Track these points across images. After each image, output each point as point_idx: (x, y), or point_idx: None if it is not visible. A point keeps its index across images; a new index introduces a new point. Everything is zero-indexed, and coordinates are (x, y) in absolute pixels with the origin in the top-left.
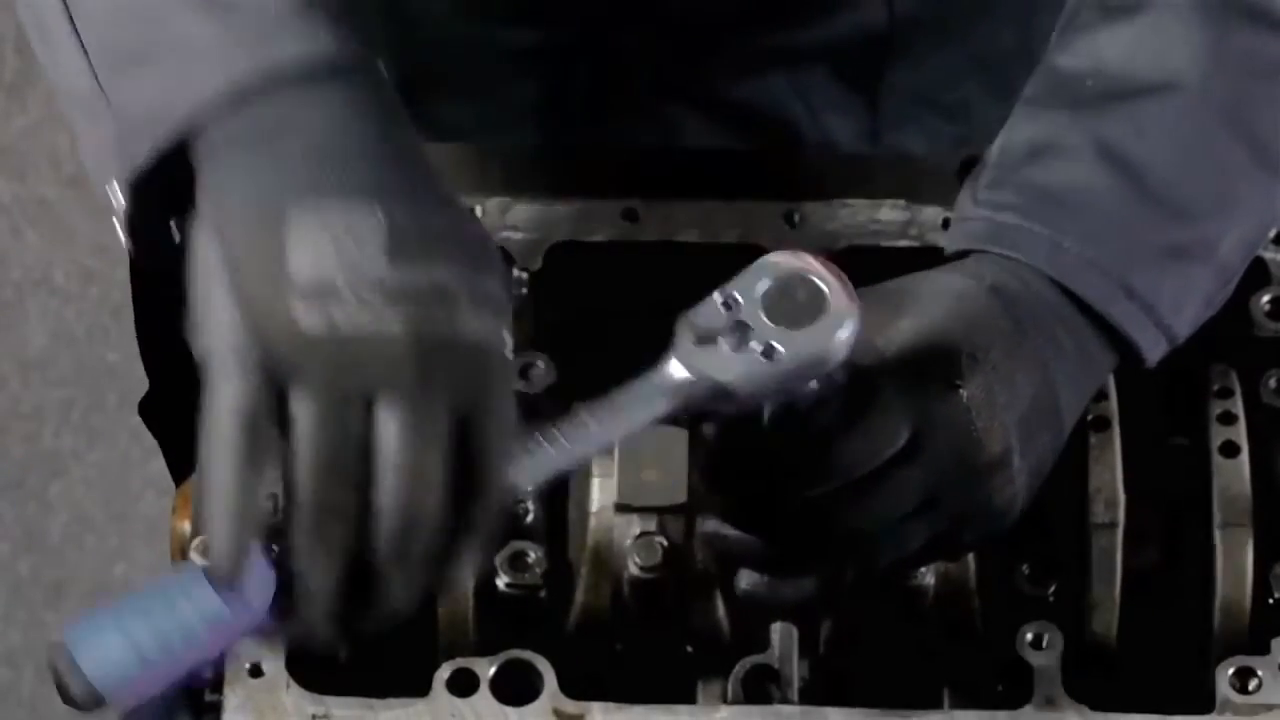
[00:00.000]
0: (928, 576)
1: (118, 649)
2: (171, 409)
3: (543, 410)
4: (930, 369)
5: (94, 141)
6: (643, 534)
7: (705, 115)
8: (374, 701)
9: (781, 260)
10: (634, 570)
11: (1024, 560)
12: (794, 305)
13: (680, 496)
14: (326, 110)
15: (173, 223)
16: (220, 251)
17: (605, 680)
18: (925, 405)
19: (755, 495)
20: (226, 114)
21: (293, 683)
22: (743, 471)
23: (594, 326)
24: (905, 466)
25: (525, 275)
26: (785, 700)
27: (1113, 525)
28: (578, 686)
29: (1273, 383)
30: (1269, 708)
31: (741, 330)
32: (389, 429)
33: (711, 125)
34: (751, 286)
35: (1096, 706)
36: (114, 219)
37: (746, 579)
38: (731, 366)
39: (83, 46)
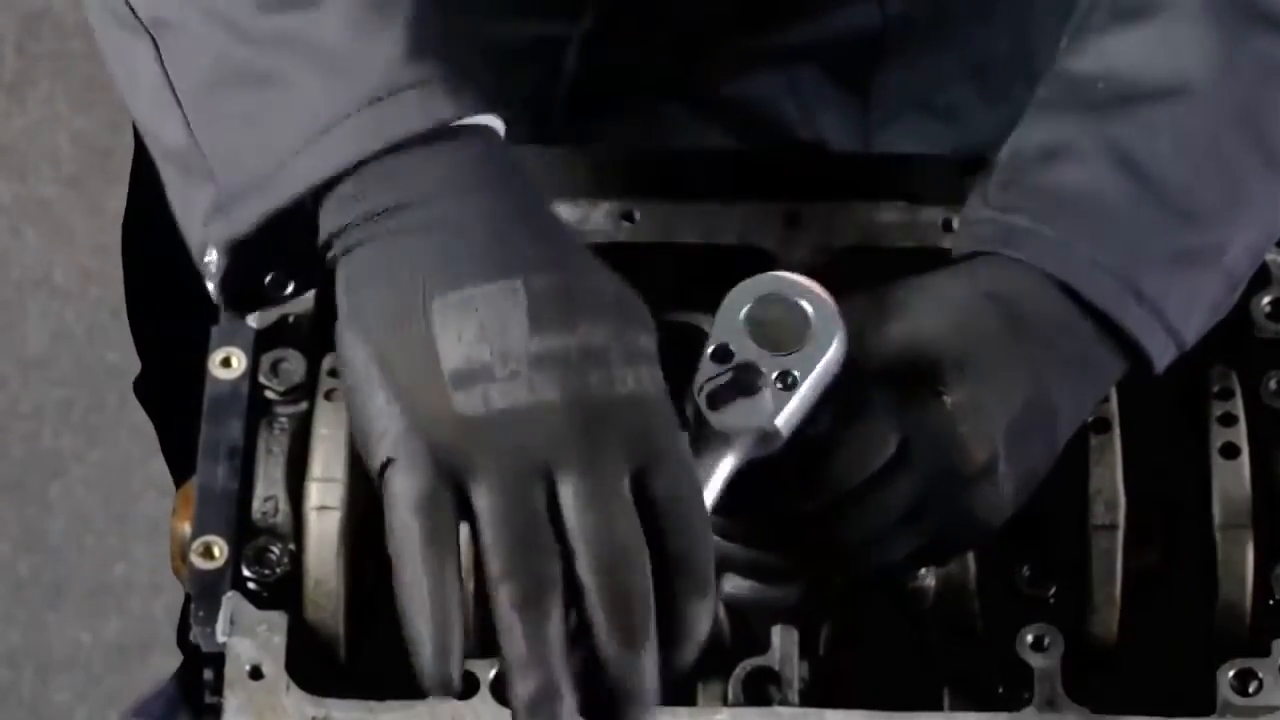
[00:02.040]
0: (928, 578)
1: None
2: (164, 388)
3: None
4: (916, 377)
5: (185, 195)
6: None
7: (697, 113)
8: (374, 704)
9: (743, 291)
10: None
11: (1024, 561)
12: (778, 328)
13: None
14: (448, 180)
15: (268, 278)
16: (368, 351)
17: None
18: (911, 413)
19: (745, 509)
20: (342, 184)
21: (293, 685)
22: (734, 486)
23: None
24: (893, 476)
25: None
26: (785, 702)
27: (1113, 527)
28: None
29: (1273, 384)
30: (1270, 710)
31: (748, 373)
32: (568, 500)
33: (703, 123)
34: (731, 329)
35: (1097, 708)
36: (203, 273)
37: (731, 583)
38: (762, 410)
39: (178, 100)
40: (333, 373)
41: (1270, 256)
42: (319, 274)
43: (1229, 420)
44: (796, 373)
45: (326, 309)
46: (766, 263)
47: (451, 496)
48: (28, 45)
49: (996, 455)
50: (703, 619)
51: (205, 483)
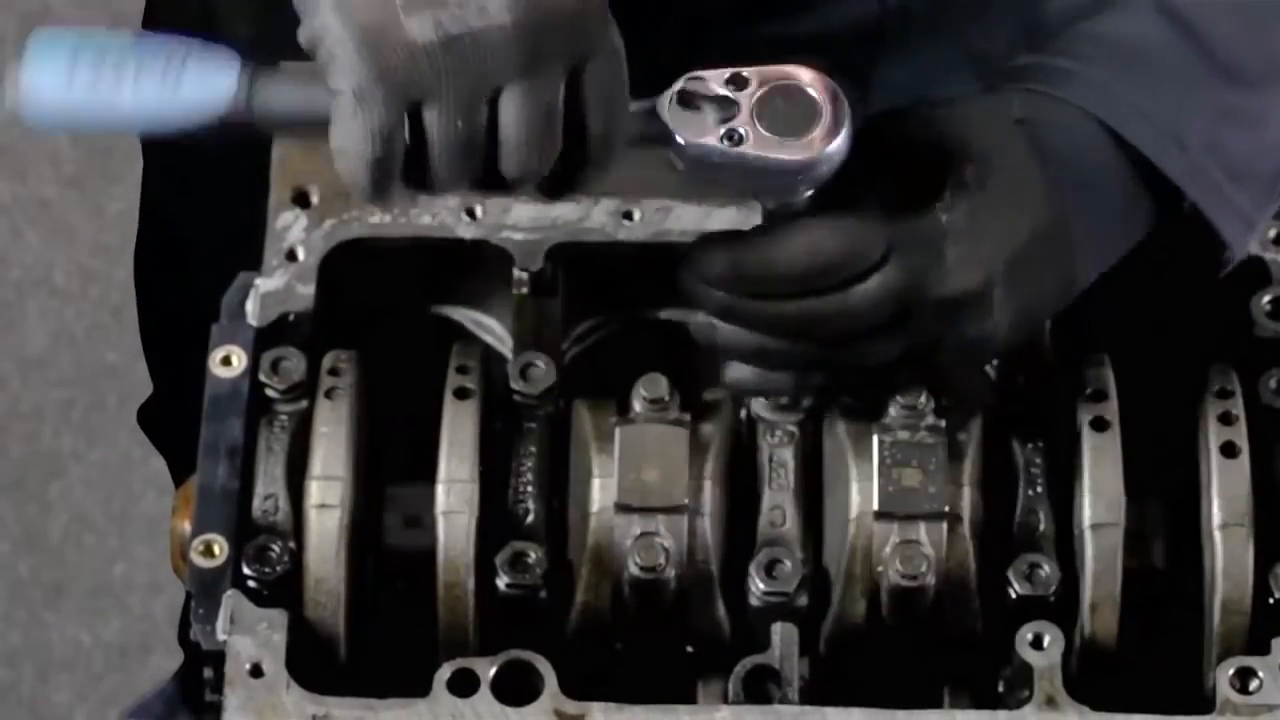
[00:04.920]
0: (928, 577)
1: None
2: (173, 415)
3: (543, 411)
4: (915, 188)
5: None
6: (643, 534)
7: None
8: (374, 702)
9: (797, 70)
10: (634, 570)
11: (1024, 560)
12: (789, 116)
13: (680, 497)
14: None
15: None
16: None
17: (605, 680)
18: (902, 221)
19: (741, 293)
20: None
21: (293, 683)
22: (730, 269)
23: (593, 327)
24: (877, 276)
25: (526, 275)
26: (785, 700)
27: (1113, 525)
28: (578, 687)
29: (1273, 383)
30: (1269, 708)
31: (726, 107)
32: (507, 109)
33: None
34: (761, 79)
35: (1096, 706)
36: None
37: (734, 370)
38: (694, 130)
39: None
40: (333, 371)
41: (1270, 256)
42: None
43: (1229, 419)
44: (748, 142)
45: (326, 308)
46: None
47: (401, 127)
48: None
49: (991, 282)
50: (589, 180)
51: (205, 481)
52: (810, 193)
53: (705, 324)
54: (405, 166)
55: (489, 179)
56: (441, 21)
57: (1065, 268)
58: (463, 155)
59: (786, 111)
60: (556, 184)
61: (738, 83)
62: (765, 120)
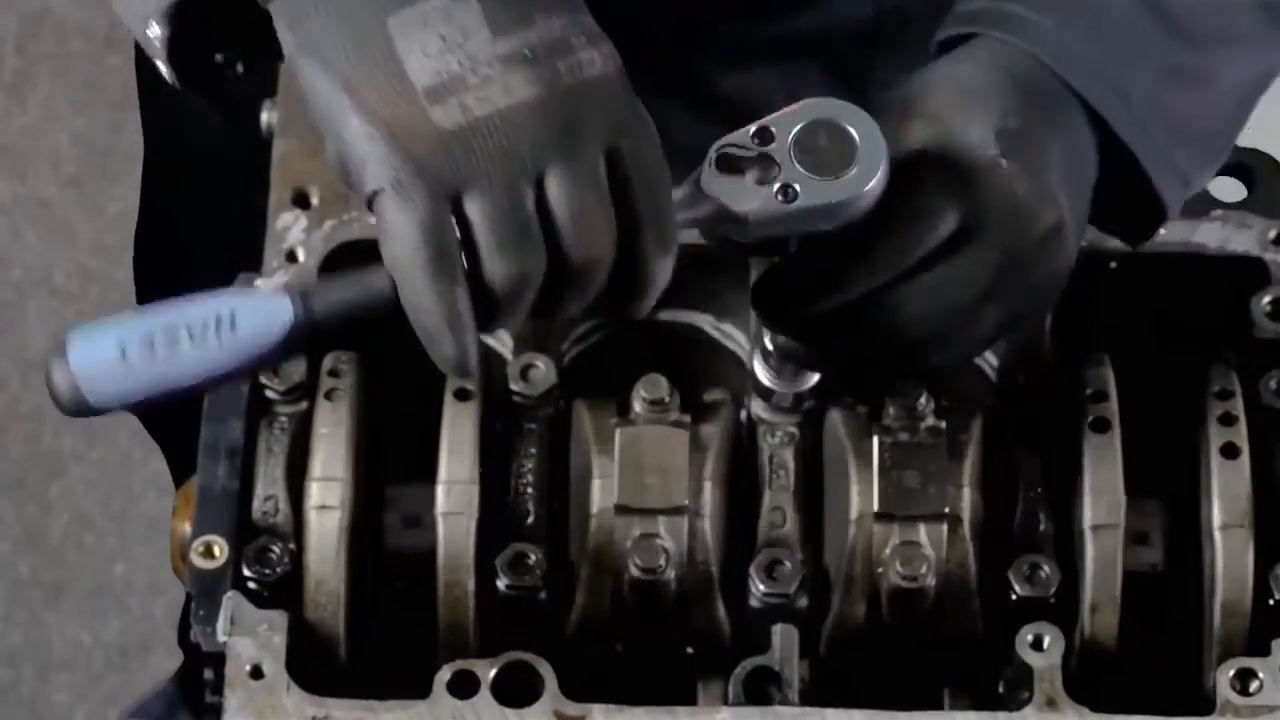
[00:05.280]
0: (929, 578)
1: (111, 348)
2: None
3: (543, 411)
4: (962, 149)
5: None
6: (643, 536)
7: (693, 109)
8: (374, 703)
9: (823, 105)
10: (634, 572)
11: (1024, 561)
12: (826, 152)
13: (680, 498)
14: None
15: (219, 58)
16: (332, 78)
17: (606, 682)
18: (967, 186)
19: (789, 302)
20: None
21: (293, 684)
22: (777, 281)
23: (593, 327)
24: (960, 254)
25: None
26: (785, 702)
27: (1113, 526)
28: (578, 688)
29: (1273, 384)
30: (1269, 709)
31: (766, 165)
32: (553, 190)
33: (699, 119)
34: (788, 124)
35: (1097, 707)
36: (155, 57)
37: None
38: (747, 197)
39: None
40: (333, 373)
41: (1270, 257)
42: (264, 50)
43: (1229, 420)
44: (800, 193)
45: None
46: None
47: (449, 215)
48: (28, 45)
49: (1063, 208)
50: (663, 271)
51: (205, 482)
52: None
53: (787, 347)
54: (468, 278)
55: (553, 281)
56: (467, 105)
57: (1086, 188)
58: (515, 240)
59: (823, 149)
60: (626, 286)
61: (765, 137)
62: (807, 164)
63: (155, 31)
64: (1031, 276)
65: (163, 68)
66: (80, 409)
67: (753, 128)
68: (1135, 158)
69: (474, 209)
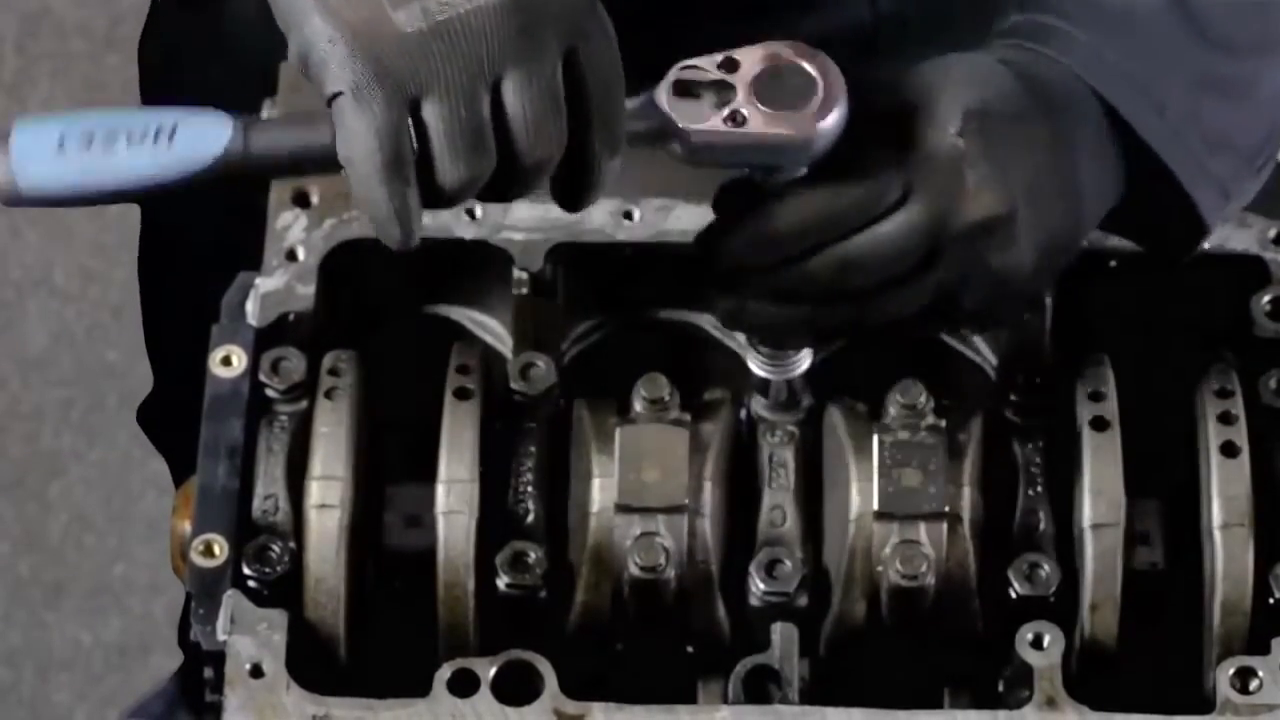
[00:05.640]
0: (928, 577)
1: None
2: (173, 412)
3: (543, 411)
4: (924, 119)
5: None
6: (643, 534)
7: None
8: (374, 702)
9: (794, 47)
10: (634, 570)
11: (1024, 560)
12: (784, 91)
13: (680, 497)
14: None
15: None
16: None
17: (605, 680)
18: (916, 153)
19: (766, 261)
20: None
21: (293, 683)
22: (752, 238)
23: (593, 327)
24: (902, 212)
25: (526, 275)
26: (785, 700)
27: (1113, 525)
28: (578, 687)
29: (1273, 383)
30: (1270, 708)
31: (723, 91)
32: (509, 94)
33: None
34: (753, 59)
35: (1096, 706)
36: None
37: (725, 302)
38: (696, 117)
39: None
40: (333, 371)
41: (1270, 256)
42: None
43: (1229, 419)
44: (749, 121)
45: (326, 308)
46: None
47: (406, 120)
48: (28, 45)
49: (1014, 206)
50: (609, 170)
51: (205, 481)
52: (808, 165)
53: (731, 308)
54: (418, 176)
55: (501, 178)
56: (429, 9)
57: (1076, 208)
58: (470, 146)
59: (783, 88)
60: (573, 181)
61: (730, 66)
62: (763, 98)
63: None
64: (969, 262)
65: None
66: (11, 197)
67: (720, 56)
68: (1171, 170)
69: (430, 114)
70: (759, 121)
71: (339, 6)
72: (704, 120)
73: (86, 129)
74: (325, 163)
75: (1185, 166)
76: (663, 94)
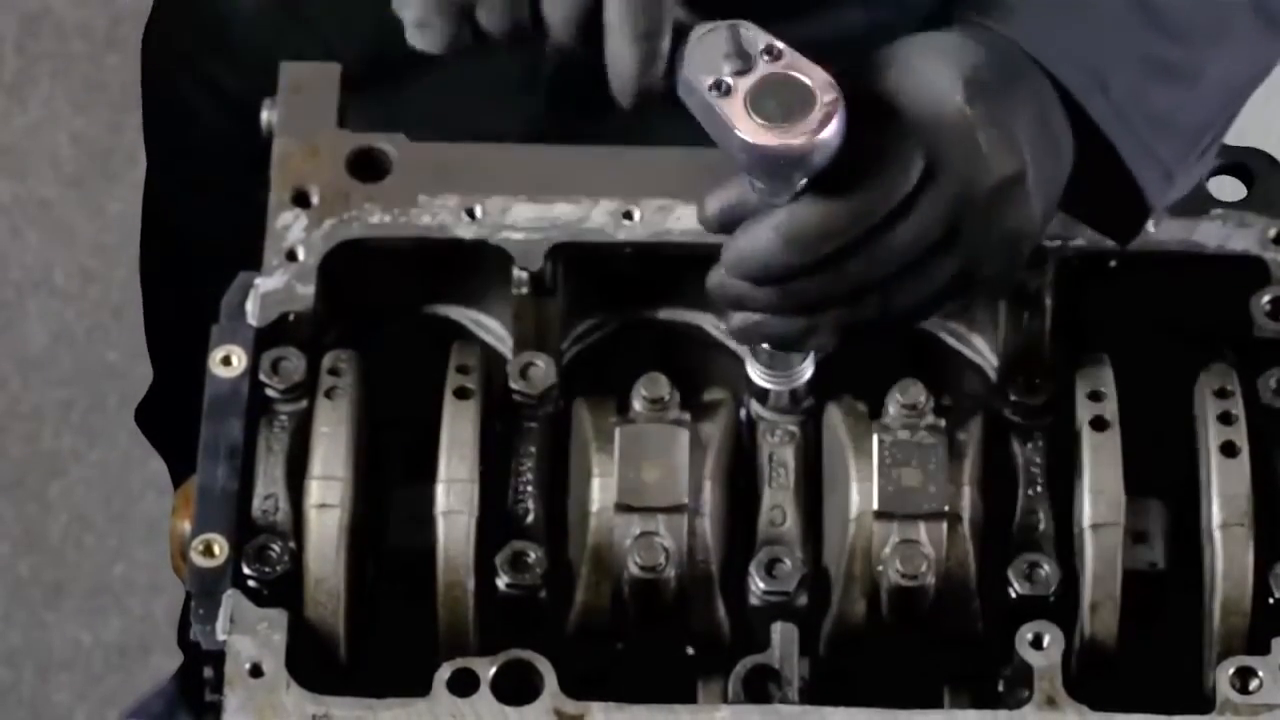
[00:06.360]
0: (928, 576)
1: None
2: (172, 412)
3: (542, 410)
4: (925, 94)
5: None
6: (643, 534)
7: (683, 114)
8: (374, 702)
9: (810, 73)
10: (634, 570)
11: (1024, 560)
12: (781, 99)
13: (680, 497)
14: None
15: None
16: None
17: (605, 680)
18: (931, 130)
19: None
20: None
21: (293, 683)
22: (774, 244)
23: (593, 327)
24: (924, 196)
25: (526, 275)
26: (785, 700)
27: (1113, 524)
28: (578, 686)
29: (1273, 383)
30: (1269, 708)
31: (745, 61)
32: None
33: (688, 125)
34: (786, 62)
35: (1096, 706)
36: None
37: (739, 318)
38: (702, 68)
39: None
40: (333, 371)
41: (1271, 256)
42: None
43: (1229, 419)
44: (730, 83)
45: (326, 308)
46: None
47: None
48: (28, 45)
49: (1024, 163)
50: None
51: (205, 481)
52: (804, 183)
53: (745, 325)
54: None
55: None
56: None
57: (1060, 161)
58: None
59: (781, 97)
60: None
61: (772, 53)
62: (760, 100)
63: None
64: (988, 228)
65: None
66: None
67: (769, 42)
68: (1114, 147)
69: None
70: (739, 114)
71: None
72: (702, 73)
73: None
74: None
75: (1128, 144)
76: (699, 32)
